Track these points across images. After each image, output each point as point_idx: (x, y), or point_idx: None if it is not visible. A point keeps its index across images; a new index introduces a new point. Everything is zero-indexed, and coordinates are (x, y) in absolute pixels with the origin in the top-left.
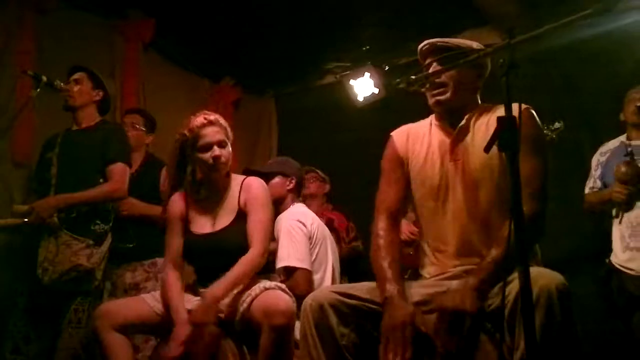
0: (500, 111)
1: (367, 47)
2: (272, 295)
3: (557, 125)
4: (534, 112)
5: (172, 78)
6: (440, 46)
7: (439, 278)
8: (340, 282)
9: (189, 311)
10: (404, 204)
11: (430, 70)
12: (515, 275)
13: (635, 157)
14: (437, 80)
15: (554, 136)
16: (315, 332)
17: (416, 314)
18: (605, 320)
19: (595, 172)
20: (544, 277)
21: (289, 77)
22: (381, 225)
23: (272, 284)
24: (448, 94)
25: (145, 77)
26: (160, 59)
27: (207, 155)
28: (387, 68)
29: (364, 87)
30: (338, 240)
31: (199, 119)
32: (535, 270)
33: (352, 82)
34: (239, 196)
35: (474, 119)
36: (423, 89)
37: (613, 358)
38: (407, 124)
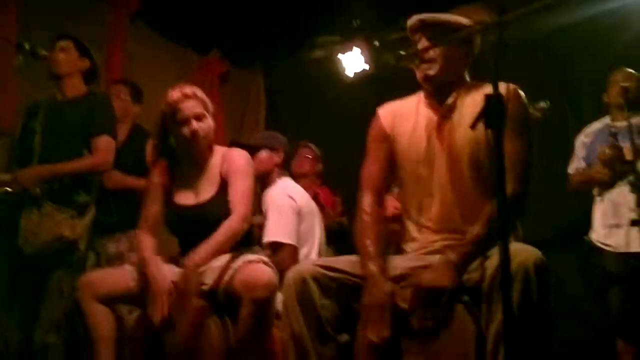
0: (488, 89)
1: (358, 21)
2: (254, 268)
3: (542, 104)
4: (521, 92)
5: (159, 49)
6: (430, 22)
7: (421, 253)
8: (327, 253)
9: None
10: (389, 180)
11: (419, 47)
12: (495, 250)
13: (619, 138)
14: (425, 56)
15: (540, 115)
16: (297, 304)
17: (395, 290)
18: (584, 296)
19: (580, 153)
20: (522, 252)
21: (277, 50)
22: (366, 201)
23: (255, 257)
24: (436, 70)
25: (131, 48)
26: (147, 30)
27: (185, 130)
28: (377, 43)
29: (354, 62)
30: (324, 214)
31: (176, 93)
32: (514, 246)
33: (341, 56)
34: (221, 167)
35: (461, 96)
36: (412, 65)
37: (590, 335)
38: (397, 99)
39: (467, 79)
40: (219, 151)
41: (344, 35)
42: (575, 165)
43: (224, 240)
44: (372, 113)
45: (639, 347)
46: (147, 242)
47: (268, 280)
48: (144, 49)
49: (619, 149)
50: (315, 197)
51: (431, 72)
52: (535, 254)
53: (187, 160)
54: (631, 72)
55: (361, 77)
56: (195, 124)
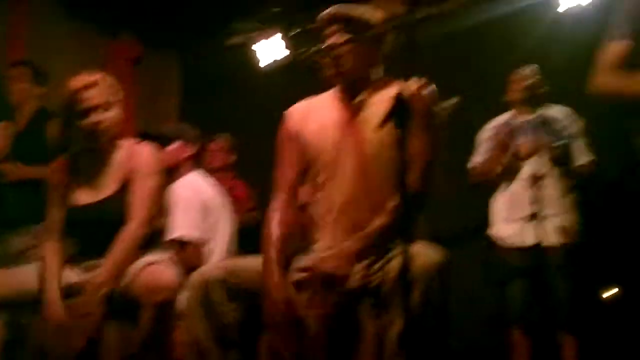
0: (398, 87)
1: (277, 9)
2: (154, 270)
3: (452, 100)
4: (429, 89)
5: (68, 30)
6: (342, 16)
7: (328, 252)
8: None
9: (72, 285)
10: (302, 179)
11: (331, 41)
12: (397, 251)
13: (517, 133)
14: (336, 51)
15: (450, 111)
16: (200, 309)
17: (297, 298)
18: (485, 290)
19: (481, 146)
20: (424, 254)
21: (193, 34)
22: (277, 203)
23: (157, 257)
24: (347, 67)
25: (35, 28)
26: (55, 9)
27: (86, 121)
28: (296, 32)
29: (272, 50)
30: (237, 208)
31: (78, 82)
32: (417, 247)
33: (259, 44)
34: (127, 164)
35: (372, 93)
36: (324, 61)
37: (491, 328)
38: (316, 88)
39: (380, 74)
40: (126, 145)
41: (262, 22)
42: (477, 159)
43: (125, 252)
44: (291, 103)
45: (537, 338)
46: (50, 259)
47: (169, 282)
48: (51, 29)
49: (507, 145)
50: (229, 190)
51: (341, 70)
52: (437, 256)
53: (88, 154)
54: (532, 71)
55: (279, 65)
56: (97, 116)
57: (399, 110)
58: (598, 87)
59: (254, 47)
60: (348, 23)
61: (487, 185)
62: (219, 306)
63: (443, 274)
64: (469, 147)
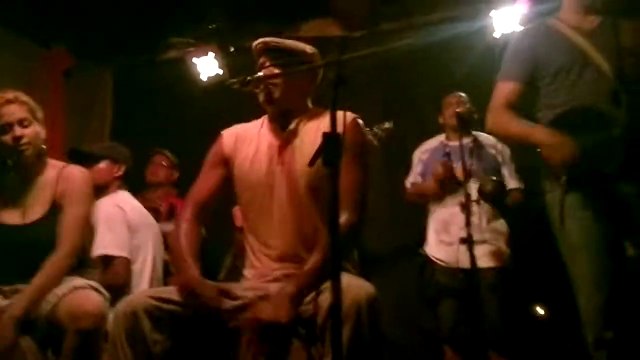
0: (329, 119)
1: (213, 25)
2: (80, 295)
3: (387, 125)
4: (360, 121)
5: (0, 40)
6: (274, 47)
7: (261, 281)
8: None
9: None
10: (214, 200)
11: (263, 71)
12: (329, 284)
13: (452, 157)
14: (269, 80)
15: (383, 135)
16: (125, 340)
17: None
18: (419, 306)
19: (416, 168)
20: (355, 288)
21: (129, 47)
22: (186, 216)
23: (83, 282)
24: (278, 95)
25: None
26: None
27: (7, 137)
28: (232, 49)
29: (208, 66)
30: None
31: None
32: (347, 281)
33: (195, 60)
34: (56, 186)
35: (303, 123)
36: (256, 90)
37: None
38: (252, 106)
39: (310, 105)
40: (55, 167)
41: (199, 38)
42: (412, 179)
43: (49, 281)
44: (228, 120)
45: (467, 356)
46: None
47: (94, 309)
48: None
49: (451, 167)
50: (171, 209)
51: (273, 99)
52: (367, 291)
53: (14, 172)
54: (464, 97)
55: (216, 82)
56: (18, 130)
57: (328, 150)
58: (489, 126)
59: (190, 62)
60: (280, 54)
61: (422, 205)
62: (146, 336)
63: (373, 309)
64: (403, 167)
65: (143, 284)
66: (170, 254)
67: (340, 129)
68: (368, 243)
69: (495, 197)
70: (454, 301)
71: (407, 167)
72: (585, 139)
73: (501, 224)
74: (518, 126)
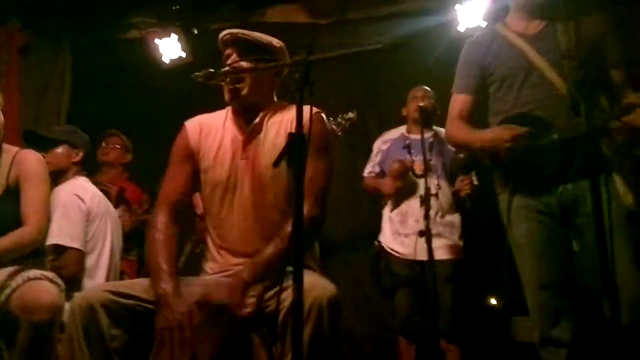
0: (294, 112)
1: (177, 6)
2: (35, 287)
3: (350, 115)
4: (324, 115)
5: None
6: (241, 38)
7: (221, 275)
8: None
9: None
10: (188, 197)
11: (229, 62)
12: (291, 281)
13: (412, 150)
14: (234, 75)
15: (347, 125)
16: (82, 334)
17: (192, 310)
18: (375, 295)
19: (376, 157)
20: (317, 288)
21: (88, 25)
22: (160, 218)
23: (38, 273)
24: (244, 90)
25: None
26: None
27: None
28: (196, 32)
29: (171, 48)
30: (129, 210)
31: None
32: (309, 280)
33: (157, 41)
34: (9, 171)
35: (268, 117)
36: (222, 83)
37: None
38: (214, 91)
39: (275, 99)
40: (9, 151)
41: (162, 18)
42: (370, 168)
43: (11, 247)
44: (189, 105)
45: (420, 344)
46: None
47: (49, 301)
48: None
49: (410, 163)
50: (121, 192)
51: (238, 93)
52: (329, 291)
53: None
54: (429, 92)
55: (178, 64)
56: None
57: (293, 151)
58: (447, 137)
59: (152, 43)
60: (247, 46)
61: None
62: (104, 332)
63: (334, 309)
64: (366, 158)
65: (100, 274)
66: (146, 259)
67: (304, 124)
68: (327, 232)
69: (469, 165)
70: (409, 292)
71: (366, 156)
72: (528, 144)
73: (455, 218)
74: (468, 134)
